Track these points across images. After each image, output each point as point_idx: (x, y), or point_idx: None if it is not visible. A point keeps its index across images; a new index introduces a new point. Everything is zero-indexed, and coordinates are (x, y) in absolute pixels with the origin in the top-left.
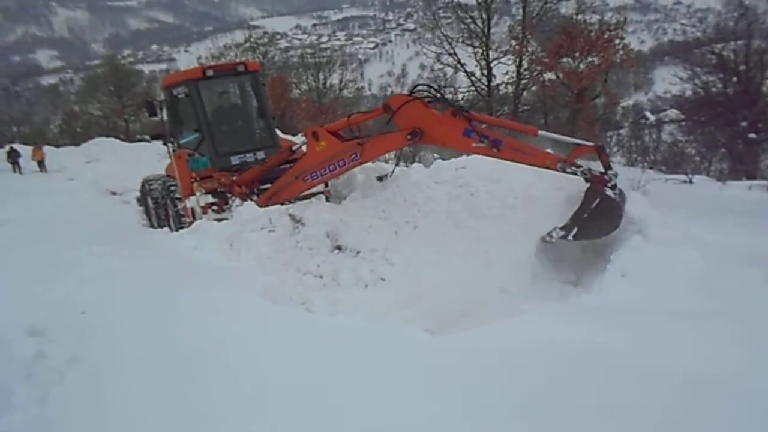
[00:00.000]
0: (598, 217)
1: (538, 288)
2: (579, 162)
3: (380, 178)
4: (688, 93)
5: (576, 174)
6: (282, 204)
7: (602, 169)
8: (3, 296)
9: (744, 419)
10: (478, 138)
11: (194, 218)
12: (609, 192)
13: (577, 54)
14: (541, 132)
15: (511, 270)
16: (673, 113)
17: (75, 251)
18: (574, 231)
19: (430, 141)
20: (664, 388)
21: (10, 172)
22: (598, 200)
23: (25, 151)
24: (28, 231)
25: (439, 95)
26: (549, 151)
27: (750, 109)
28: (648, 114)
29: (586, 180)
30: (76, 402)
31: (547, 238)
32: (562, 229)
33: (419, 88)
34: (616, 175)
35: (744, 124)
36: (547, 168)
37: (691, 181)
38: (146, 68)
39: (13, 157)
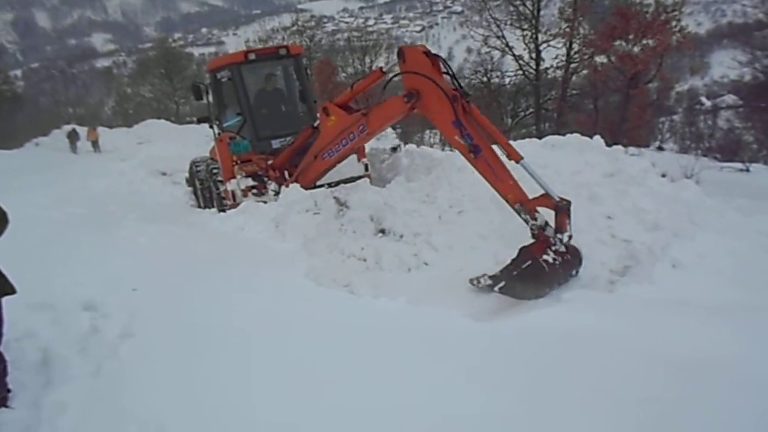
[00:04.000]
0: (524, 280)
1: (585, 276)
2: (538, 213)
3: (394, 149)
4: (747, 78)
5: (527, 223)
6: (320, 185)
7: (557, 228)
8: (59, 271)
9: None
10: (461, 133)
11: (235, 201)
12: (547, 257)
13: (631, 36)
14: (524, 162)
15: None
16: (730, 99)
17: (126, 229)
18: (501, 284)
19: (423, 109)
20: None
21: (68, 152)
22: (528, 263)
23: (81, 131)
24: (83, 209)
25: (451, 75)
26: (520, 185)
27: None
28: (703, 99)
29: (533, 236)
30: (127, 376)
31: (475, 282)
32: (491, 278)
33: (439, 56)
34: (569, 239)
35: None
36: (506, 201)
37: (747, 170)
38: (196, 51)
39: (72, 137)
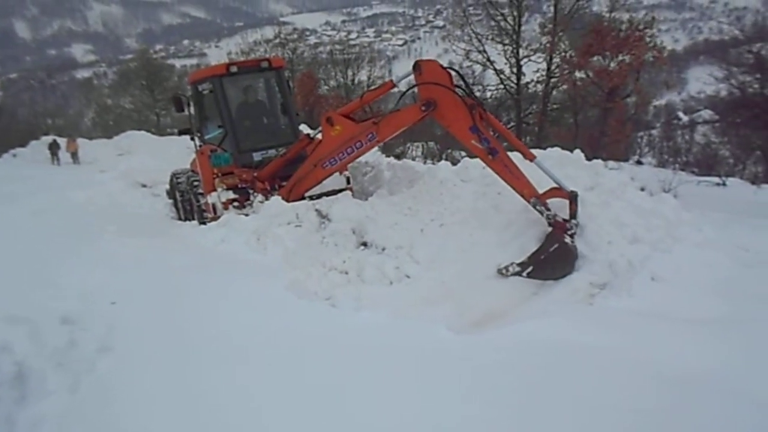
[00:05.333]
0: (553, 261)
1: (566, 289)
2: (550, 205)
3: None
4: (723, 93)
5: (542, 214)
6: (304, 198)
7: (569, 216)
8: (37, 284)
9: (731, 417)
10: (479, 138)
11: (215, 213)
12: (567, 240)
13: (607, 52)
14: (537, 160)
15: None
16: (706, 114)
17: (106, 241)
18: (529, 269)
19: (439, 117)
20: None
21: (49, 163)
22: (556, 246)
23: (61, 142)
24: (62, 221)
25: (466, 86)
26: (531, 182)
27: None
28: (681, 114)
29: (549, 224)
30: (106, 391)
31: (504, 271)
32: (519, 265)
33: (454, 69)
34: (577, 225)
35: None
36: (522, 196)
37: (724, 184)
38: (178, 63)
39: (54, 149)
